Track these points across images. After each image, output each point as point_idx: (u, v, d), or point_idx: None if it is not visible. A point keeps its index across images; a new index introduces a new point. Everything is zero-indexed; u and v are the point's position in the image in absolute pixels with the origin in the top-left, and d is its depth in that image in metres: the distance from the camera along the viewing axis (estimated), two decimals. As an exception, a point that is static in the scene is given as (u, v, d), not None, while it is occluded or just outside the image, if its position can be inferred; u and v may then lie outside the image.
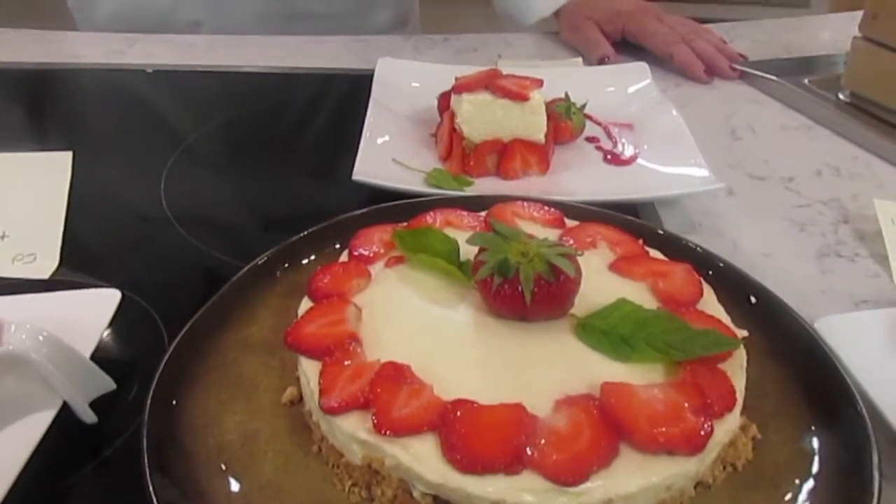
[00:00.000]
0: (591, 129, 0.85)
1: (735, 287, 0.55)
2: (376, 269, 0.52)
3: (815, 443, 0.45)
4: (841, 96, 0.99)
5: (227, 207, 0.76)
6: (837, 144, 0.91)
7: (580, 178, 0.76)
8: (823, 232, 0.73)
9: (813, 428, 0.46)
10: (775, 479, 0.44)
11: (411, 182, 0.72)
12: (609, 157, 0.80)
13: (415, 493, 0.40)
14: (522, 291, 0.44)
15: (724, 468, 0.44)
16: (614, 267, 0.53)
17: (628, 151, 0.81)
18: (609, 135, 0.85)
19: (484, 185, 0.73)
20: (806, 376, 0.49)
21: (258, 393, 0.48)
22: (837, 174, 0.84)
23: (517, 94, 0.72)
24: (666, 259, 0.55)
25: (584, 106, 0.82)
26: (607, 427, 0.39)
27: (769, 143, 0.91)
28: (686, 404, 0.41)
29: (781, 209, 0.77)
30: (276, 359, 0.50)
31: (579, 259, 0.49)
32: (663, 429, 0.40)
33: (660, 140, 0.81)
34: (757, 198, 0.79)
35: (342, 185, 0.70)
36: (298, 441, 0.45)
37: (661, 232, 0.61)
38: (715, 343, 0.44)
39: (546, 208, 0.59)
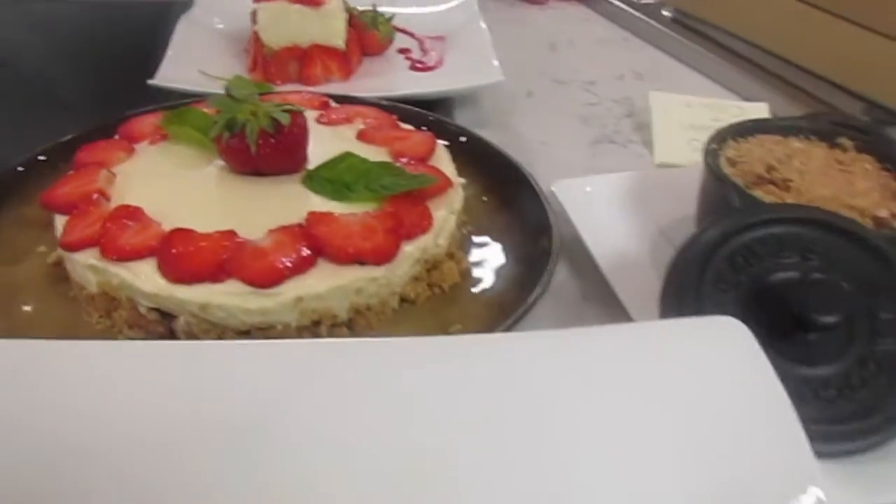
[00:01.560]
0: (406, 42, 0.96)
1: (477, 154, 0.67)
2: (141, 146, 0.62)
3: (514, 264, 0.57)
4: (665, 13, 1.12)
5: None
6: (649, 54, 1.04)
7: (381, 83, 0.87)
8: (605, 124, 0.86)
9: (516, 258, 0.58)
10: (476, 297, 0.55)
11: (210, 87, 0.81)
12: (415, 65, 0.91)
13: (141, 310, 0.50)
14: (249, 144, 0.54)
15: (432, 289, 0.55)
16: (361, 136, 0.63)
17: (432, 60, 0.92)
18: (422, 47, 0.96)
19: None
20: (522, 222, 0.61)
21: (29, 257, 0.57)
22: (640, 78, 0.97)
23: (312, 0, 0.82)
24: (413, 129, 0.66)
25: (391, 17, 0.93)
26: (306, 244, 0.50)
27: (584, 53, 1.03)
28: (380, 226, 0.52)
29: (573, 107, 0.89)
30: (50, 233, 0.59)
31: (331, 129, 0.60)
32: (355, 243, 0.50)
33: (464, 49, 0.92)
34: (554, 99, 0.91)
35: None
36: (59, 290, 0.55)
37: (419, 112, 0.72)
38: (417, 181, 0.55)
39: (314, 95, 0.69)
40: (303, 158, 0.58)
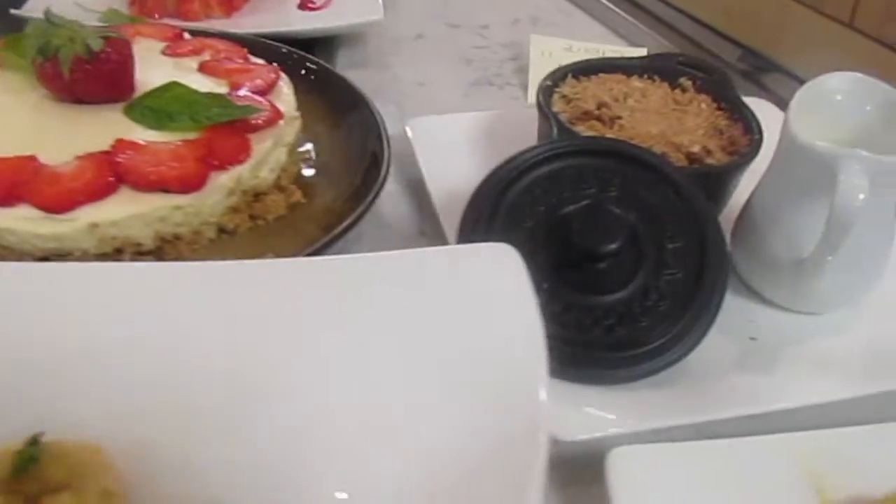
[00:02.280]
0: (300, -18, 0.93)
1: (329, 89, 0.65)
2: (-26, 74, 0.59)
3: (347, 198, 0.55)
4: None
5: None
6: (552, 1, 1.01)
7: (260, 20, 0.83)
8: (487, 67, 0.83)
9: (351, 192, 0.56)
10: (300, 228, 0.54)
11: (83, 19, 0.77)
12: (306, 4, 0.88)
13: (-62, 236, 0.48)
14: (62, 70, 0.52)
15: (255, 220, 0.54)
16: (203, 67, 0.61)
17: (321, 1, 0.88)
18: (314, -14, 0.92)
19: (163, 27, 0.80)
20: (361, 157, 0.59)
21: None
22: (534, 23, 0.94)
23: (188, -66, 0.79)
24: (263, 63, 0.63)
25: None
26: (108, 170, 0.48)
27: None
28: (190, 155, 0.50)
29: (460, 50, 0.86)
30: None
31: (175, 61, 0.57)
32: (159, 170, 0.48)
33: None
34: (443, 42, 0.89)
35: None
36: None
37: (272, 45, 0.70)
38: (239, 111, 0.53)
39: (168, 27, 0.66)
40: (128, 87, 0.55)
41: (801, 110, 0.47)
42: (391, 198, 0.62)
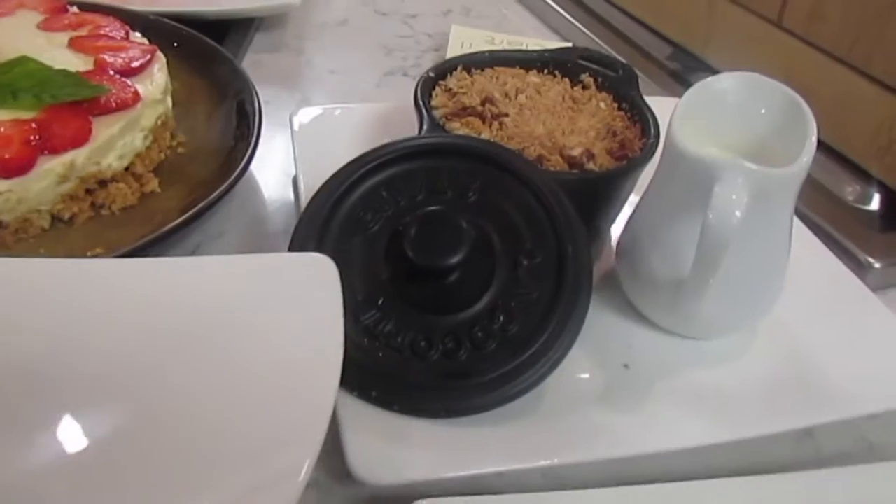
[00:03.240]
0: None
1: (217, 72, 0.58)
2: None
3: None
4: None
5: None
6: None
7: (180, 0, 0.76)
8: (407, 57, 0.77)
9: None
10: (150, 220, 0.47)
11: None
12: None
13: None
14: None
15: (98, 209, 0.47)
16: (72, 43, 0.54)
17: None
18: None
19: None
20: (234, 145, 0.53)
21: None
22: (466, 14, 0.88)
23: None
24: (141, 42, 0.57)
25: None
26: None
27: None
28: (17, 136, 0.43)
29: (383, 39, 0.80)
30: None
31: (47, 35, 0.52)
32: (-24, 153, 0.42)
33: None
34: (367, 29, 0.82)
35: None
36: None
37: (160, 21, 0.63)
38: (83, 91, 0.47)
39: (57, 1, 0.60)
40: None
41: (688, 114, 0.40)
42: (270, 191, 0.56)
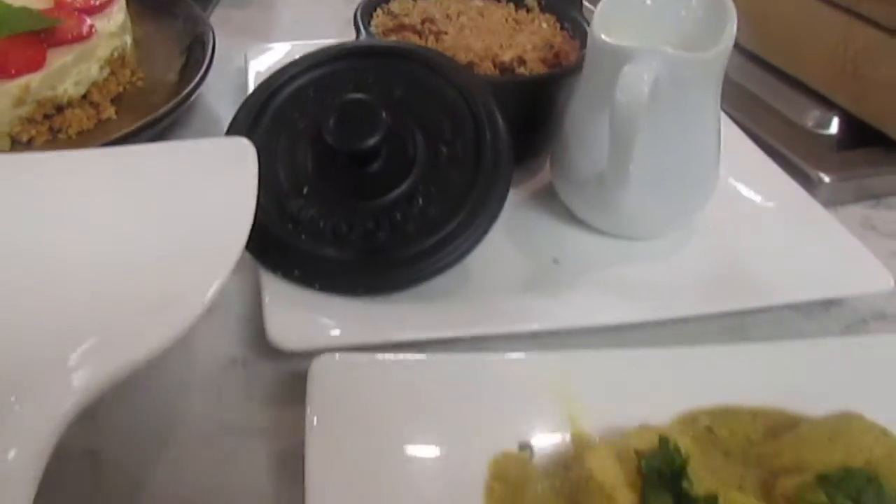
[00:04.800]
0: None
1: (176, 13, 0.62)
2: None
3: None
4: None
5: None
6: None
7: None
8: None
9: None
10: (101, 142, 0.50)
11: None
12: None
13: None
14: None
15: (55, 133, 0.50)
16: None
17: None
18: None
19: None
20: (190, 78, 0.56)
21: None
22: None
23: None
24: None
25: None
26: None
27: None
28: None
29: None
30: None
31: None
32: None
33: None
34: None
35: None
36: None
37: None
38: (37, 22, 0.50)
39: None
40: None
41: (612, 15, 0.42)
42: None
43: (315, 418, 0.31)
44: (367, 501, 0.29)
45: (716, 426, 0.34)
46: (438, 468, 0.31)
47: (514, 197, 0.48)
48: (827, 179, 0.55)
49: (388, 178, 0.40)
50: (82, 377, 0.25)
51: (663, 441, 0.30)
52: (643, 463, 0.29)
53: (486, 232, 0.39)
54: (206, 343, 0.39)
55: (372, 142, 0.38)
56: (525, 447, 0.32)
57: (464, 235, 0.38)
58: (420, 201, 0.39)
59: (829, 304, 0.45)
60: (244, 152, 0.36)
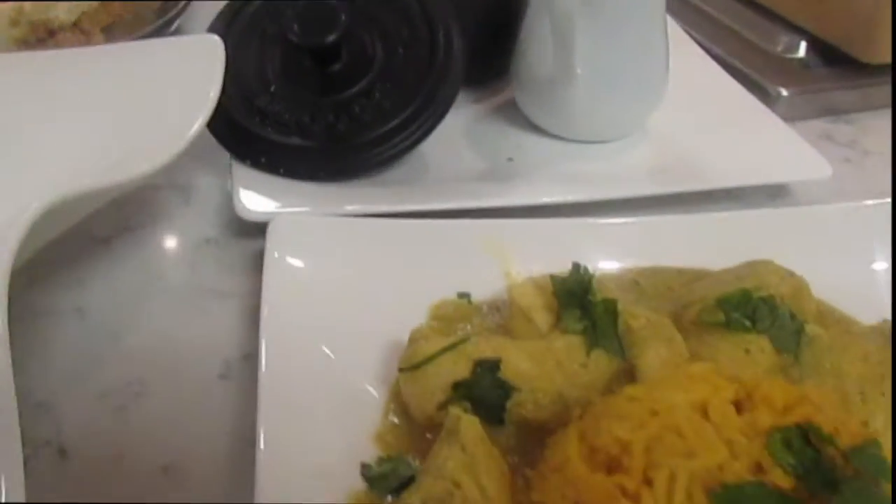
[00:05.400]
0: None
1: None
2: None
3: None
4: None
5: None
6: None
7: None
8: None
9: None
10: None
11: None
12: None
13: None
14: None
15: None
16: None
17: None
18: None
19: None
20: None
21: None
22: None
23: None
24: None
25: None
26: None
27: None
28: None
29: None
30: None
31: None
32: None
33: None
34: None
35: None
36: None
37: None
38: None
39: None
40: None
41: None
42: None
43: (271, 268, 0.34)
44: (319, 338, 0.33)
45: (641, 279, 0.38)
46: (384, 317, 0.34)
47: (477, 109, 0.52)
48: (785, 93, 0.57)
49: (349, 77, 0.43)
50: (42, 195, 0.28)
51: (575, 265, 0.33)
52: (554, 282, 0.33)
53: (435, 123, 0.42)
54: (184, 226, 0.43)
55: (331, 38, 0.41)
56: (463, 295, 0.36)
57: (415, 124, 0.42)
58: (377, 95, 0.43)
59: (773, 196, 0.48)
60: (213, 47, 0.39)
